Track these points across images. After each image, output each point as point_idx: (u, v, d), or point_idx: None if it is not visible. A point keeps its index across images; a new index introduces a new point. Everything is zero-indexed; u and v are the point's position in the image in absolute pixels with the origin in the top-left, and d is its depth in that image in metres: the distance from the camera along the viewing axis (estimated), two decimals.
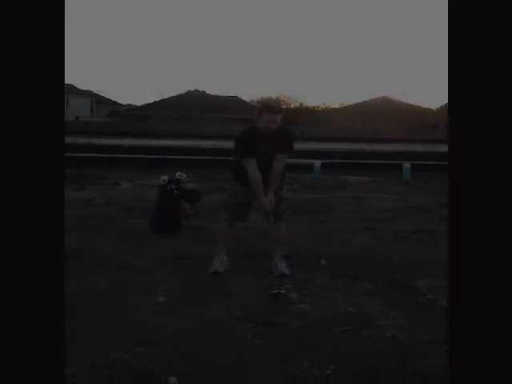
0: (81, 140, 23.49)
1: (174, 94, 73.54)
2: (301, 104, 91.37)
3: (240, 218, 5.57)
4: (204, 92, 73.67)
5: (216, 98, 70.69)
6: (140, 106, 75.32)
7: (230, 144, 6.25)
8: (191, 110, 63.57)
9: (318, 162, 17.47)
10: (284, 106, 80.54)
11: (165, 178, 7.33)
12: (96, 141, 25.13)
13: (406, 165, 16.96)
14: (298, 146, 5.72)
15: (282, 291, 4.79)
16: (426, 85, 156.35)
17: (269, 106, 5.17)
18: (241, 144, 5.27)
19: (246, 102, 71.66)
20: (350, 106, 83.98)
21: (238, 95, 75.70)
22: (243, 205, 5.44)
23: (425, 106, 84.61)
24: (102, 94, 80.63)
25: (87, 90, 67.17)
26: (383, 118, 66.01)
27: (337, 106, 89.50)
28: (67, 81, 47.25)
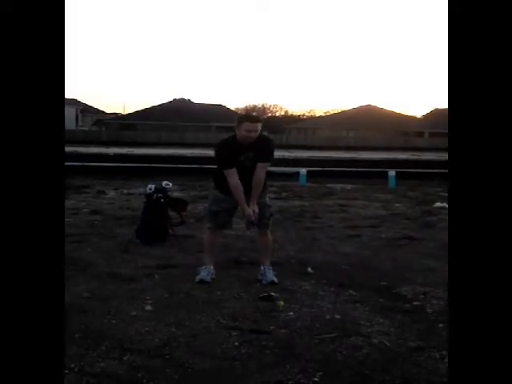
0: (66, 149, 23.31)
1: (160, 103, 73.47)
2: (286, 112, 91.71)
3: (222, 226, 5.59)
4: (189, 100, 73.66)
5: (202, 106, 70.70)
6: (125, 115, 75.19)
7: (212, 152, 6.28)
8: (177, 118, 63.43)
9: (303, 170, 17.53)
10: (269, 114, 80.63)
11: (151, 186, 7.33)
12: (82, 149, 25.04)
13: (391, 172, 17.05)
14: (284, 153, 5.77)
15: (273, 294, 4.80)
16: (411, 93, 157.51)
17: (248, 115, 5.25)
18: (221, 154, 5.31)
19: (231, 110, 71.77)
20: (334, 114, 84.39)
21: (224, 104, 75.91)
22: (224, 213, 5.46)
23: (409, 114, 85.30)
24: (87, 103, 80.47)
25: (72, 99, 66.93)
26: (368, 126, 66.36)
27: (321, 114, 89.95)
28: None
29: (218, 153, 5.35)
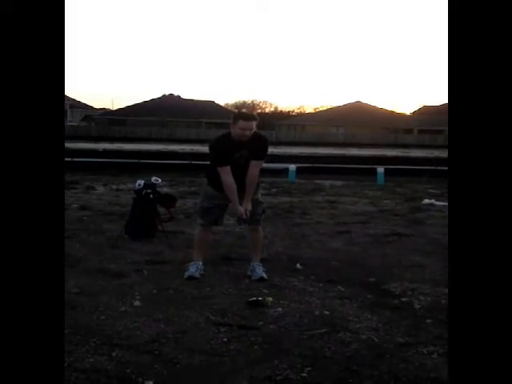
0: None
1: (150, 98, 73.27)
2: (275, 108, 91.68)
3: (214, 222, 5.59)
4: (179, 96, 73.51)
5: (191, 102, 70.57)
6: (115, 110, 74.90)
7: (205, 148, 6.28)
8: (167, 114, 63.28)
9: (292, 167, 17.55)
10: (259, 111, 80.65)
11: (140, 182, 7.32)
12: (71, 145, 24.92)
13: (380, 169, 17.12)
14: (273, 150, 5.77)
15: (260, 299, 4.78)
16: (400, 90, 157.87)
17: (243, 114, 5.25)
18: (216, 151, 5.30)
19: (221, 106, 71.73)
20: (324, 110, 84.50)
21: (214, 100, 75.78)
22: (217, 209, 5.45)
23: (398, 111, 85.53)
24: (76, 98, 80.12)
25: None
26: (357, 122, 66.50)
27: (311, 110, 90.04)
28: None
29: (213, 150, 5.35)
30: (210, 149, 5.37)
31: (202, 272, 5.42)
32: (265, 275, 5.37)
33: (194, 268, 5.39)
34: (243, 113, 5.20)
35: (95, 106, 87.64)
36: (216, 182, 5.31)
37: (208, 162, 5.51)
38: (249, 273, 5.43)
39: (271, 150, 5.57)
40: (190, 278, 5.30)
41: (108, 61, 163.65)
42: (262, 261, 5.65)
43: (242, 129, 5.10)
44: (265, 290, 4.99)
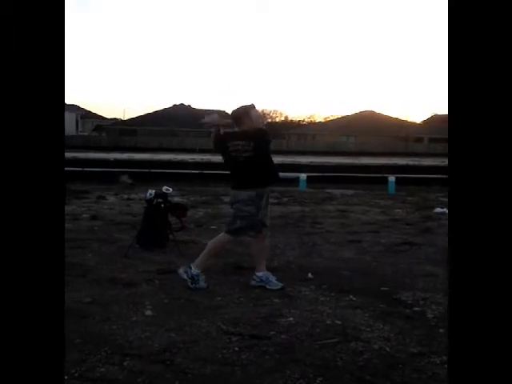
0: (66, 154, 23.35)
1: (161, 108, 73.61)
2: (286, 118, 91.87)
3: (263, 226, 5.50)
4: (190, 106, 73.78)
5: (202, 112, 70.73)
6: (126, 120, 75.31)
7: (216, 158, 6.30)
8: (177, 124, 63.51)
9: (303, 176, 17.56)
10: (269, 120, 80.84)
11: (151, 191, 7.34)
12: (81, 155, 25.07)
13: (391, 178, 17.10)
14: (284, 159, 5.78)
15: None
16: (411, 99, 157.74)
17: (251, 104, 5.36)
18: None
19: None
20: (334, 119, 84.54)
21: (224, 109, 75.97)
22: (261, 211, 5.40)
23: (409, 119, 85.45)
24: (87, 108, 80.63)
25: (72, 105, 66.99)
26: (368, 131, 66.46)
27: (321, 119, 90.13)
28: None
29: (269, 136, 5.49)
30: (267, 136, 5.47)
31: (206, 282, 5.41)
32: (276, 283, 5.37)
33: (202, 279, 5.35)
34: (251, 104, 5.38)
35: (106, 116, 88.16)
36: (267, 175, 5.41)
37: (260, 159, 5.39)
38: (257, 281, 5.40)
39: (282, 159, 5.58)
40: (201, 288, 5.27)
41: (120, 71, 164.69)
42: (274, 270, 5.65)
43: (259, 116, 5.48)
44: (276, 300, 4.98)
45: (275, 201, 12.26)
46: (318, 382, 3.38)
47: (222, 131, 5.54)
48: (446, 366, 3.60)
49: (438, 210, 11.55)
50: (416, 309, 4.83)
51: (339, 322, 4.44)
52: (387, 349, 3.92)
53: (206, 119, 5.61)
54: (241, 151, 5.22)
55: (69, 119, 63.23)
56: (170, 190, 7.50)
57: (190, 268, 5.32)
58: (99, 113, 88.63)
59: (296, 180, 17.35)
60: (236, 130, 5.40)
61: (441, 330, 4.27)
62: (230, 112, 5.57)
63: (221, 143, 5.43)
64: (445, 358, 3.72)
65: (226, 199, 10.42)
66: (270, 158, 5.41)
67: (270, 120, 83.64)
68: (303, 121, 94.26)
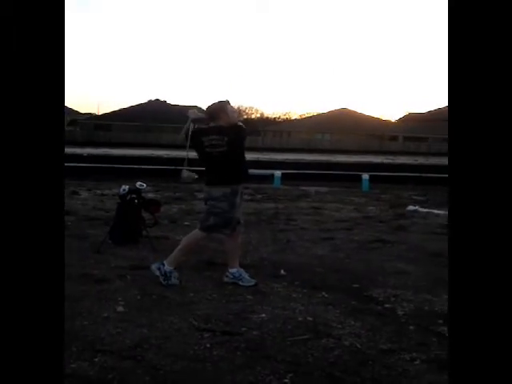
0: None
1: (136, 104, 73.14)
2: (262, 114, 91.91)
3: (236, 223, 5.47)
4: (165, 102, 73.44)
5: (177, 107, 70.43)
6: (100, 115, 74.68)
7: (191, 154, 6.28)
8: (152, 119, 63.15)
9: (278, 173, 17.60)
10: (245, 117, 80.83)
11: (125, 187, 7.29)
12: None
13: (365, 176, 17.22)
14: (259, 156, 5.77)
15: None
16: (386, 97, 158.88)
17: (226, 101, 5.40)
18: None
19: None
20: (310, 116, 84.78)
21: (200, 105, 75.77)
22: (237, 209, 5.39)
23: (384, 118, 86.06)
24: None
25: None
26: (343, 129, 66.79)
27: (297, 116, 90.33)
28: None
29: (244, 132, 5.45)
30: (243, 132, 5.41)
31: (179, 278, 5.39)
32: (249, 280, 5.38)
33: (175, 276, 5.33)
34: (225, 100, 5.37)
35: (80, 111, 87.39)
36: (240, 173, 5.41)
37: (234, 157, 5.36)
38: (230, 278, 5.41)
39: (257, 156, 5.58)
40: (173, 285, 5.26)
41: (94, 65, 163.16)
42: (247, 266, 5.66)
43: (234, 111, 5.46)
44: (249, 296, 4.99)
45: (249, 197, 12.28)
46: (288, 378, 3.39)
47: (195, 126, 5.53)
48: (415, 362, 3.66)
49: (411, 207, 11.67)
50: (387, 306, 4.87)
51: (311, 319, 4.46)
52: (358, 345, 3.95)
53: (190, 114, 5.60)
54: (215, 146, 5.21)
55: None
56: (144, 185, 7.46)
57: (163, 264, 5.31)
58: (73, 107, 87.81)
59: (271, 177, 17.38)
60: (211, 125, 5.37)
61: (411, 327, 4.32)
62: (205, 108, 5.55)
63: (196, 138, 5.41)
64: (414, 354, 3.77)
65: (200, 195, 10.40)
66: (243, 155, 5.41)
67: (246, 117, 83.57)
68: (279, 118, 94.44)
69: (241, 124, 5.38)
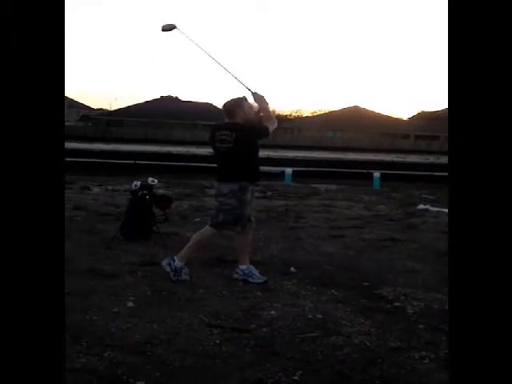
0: None
1: (147, 100, 73.30)
2: (273, 111, 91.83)
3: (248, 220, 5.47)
4: (177, 98, 73.57)
5: (189, 104, 70.59)
6: (113, 111, 74.91)
7: (201, 150, 6.29)
8: (164, 115, 63.29)
9: (288, 170, 17.58)
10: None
11: (137, 183, 7.31)
12: (66, 145, 24.90)
13: (376, 174, 17.16)
14: (270, 153, 5.77)
15: None
16: (398, 95, 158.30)
17: (243, 97, 5.40)
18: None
19: (218, 108, 71.68)
20: (321, 114, 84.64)
21: (211, 102, 75.87)
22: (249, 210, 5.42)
23: (396, 116, 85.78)
24: (73, 98, 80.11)
25: None
26: (354, 127, 66.62)
27: (309, 114, 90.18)
28: None
29: (253, 125, 5.39)
30: (252, 126, 5.35)
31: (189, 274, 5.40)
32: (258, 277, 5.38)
33: (185, 272, 5.34)
34: (243, 96, 5.35)
35: (93, 107, 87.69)
36: (256, 177, 5.42)
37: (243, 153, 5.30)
38: (241, 275, 5.41)
39: (267, 153, 5.57)
40: (183, 281, 5.27)
41: (108, 61, 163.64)
42: (257, 263, 5.66)
43: (252, 107, 5.41)
44: (258, 293, 5.00)
45: (260, 195, 12.27)
46: (297, 375, 3.40)
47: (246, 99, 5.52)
48: (425, 361, 3.65)
49: (422, 206, 11.62)
50: (397, 304, 4.86)
51: (320, 316, 4.46)
52: (367, 343, 3.95)
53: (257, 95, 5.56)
54: (223, 141, 5.22)
55: None
56: (156, 181, 7.48)
57: (174, 260, 5.32)
58: (85, 103, 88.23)
59: (281, 174, 17.36)
60: (226, 121, 5.37)
61: (420, 326, 4.31)
62: (218, 105, 5.57)
63: (211, 133, 5.43)
64: (424, 353, 3.76)
65: (211, 192, 10.42)
66: (255, 153, 5.40)
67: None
68: (290, 115, 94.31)
69: (256, 124, 5.36)
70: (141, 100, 75.18)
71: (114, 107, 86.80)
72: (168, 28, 5.59)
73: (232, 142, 5.16)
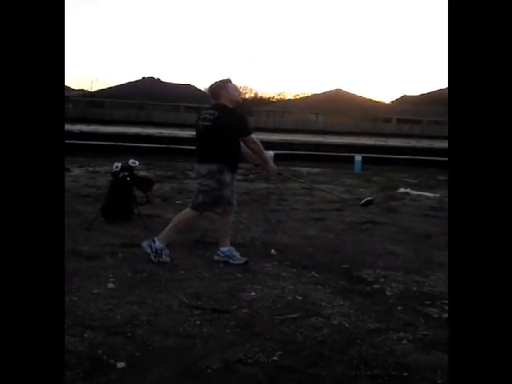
0: None
1: (129, 81, 72.67)
2: (255, 94, 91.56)
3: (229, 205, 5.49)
4: (159, 79, 73.04)
5: (170, 85, 70.13)
6: (93, 92, 74.19)
7: (183, 132, 6.27)
8: (145, 97, 62.83)
9: (270, 153, 17.56)
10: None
11: (118, 164, 7.28)
12: None
13: (358, 157, 17.23)
14: (252, 136, 5.74)
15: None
16: (380, 79, 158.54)
17: (228, 79, 5.39)
18: (245, 120, 5.43)
19: (200, 90, 71.34)
20: (304, 97, 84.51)
21: (193, 83, 75.45)
22: (231, 192, 5.43)
23: (378, 99, 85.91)
24: None
25: None
26: (337, 110, 66.64)
27: (291, 97, 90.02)
28: None
29: (243, 119, 5.38)
30: (239, 118, 5.33)
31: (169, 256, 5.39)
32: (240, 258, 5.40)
33: (166, 253, 5.33)
34: (227, 78, 5.32)
35: (73, 88, 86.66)
36: (235, 159, 5.37)
37: (221, 145, 5.24)
38: (221, 256, 5.42)
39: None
40: (163, 262, 5.26)
41: (88, 41, 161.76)
42: (237, 246, 5.68)
43: (237, 90, 5.44)
44: (239, 275, 5.02)
45: (241, 177, 12.28)
46: (277, 355, 3.42)
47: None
48: (402, 342, 3.70)
49: (402, 190, 11.71)
50: (376, 286, 4.91)
51: (300, 298, 4.49)
52: (346, 324, 3.99)
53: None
54: (204, 119, 5.22)
55: None
56: (137, 163, 7.45)
57: (154, 242, 5.31)
58: (66, 84, 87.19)
59: None
60: (212, 102, 5.36)
61: (399, 308, 4.36)
62: (199, 87, 5.55)
63: (198, 115, 5.48)
64: (402, 334, 3.81)
65: (193, 174, 10.40)
66: (236, 143, 5.33)
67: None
68: (273, 98, 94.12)
69: (242, 114, 5.39)
70: (122, 81, 74.32)
71: (94, 88, 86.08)
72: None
73: (211, 121, 5.13)
